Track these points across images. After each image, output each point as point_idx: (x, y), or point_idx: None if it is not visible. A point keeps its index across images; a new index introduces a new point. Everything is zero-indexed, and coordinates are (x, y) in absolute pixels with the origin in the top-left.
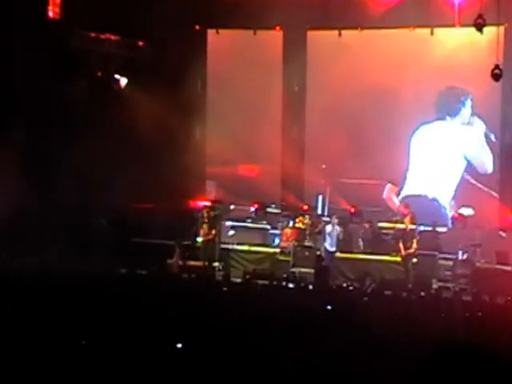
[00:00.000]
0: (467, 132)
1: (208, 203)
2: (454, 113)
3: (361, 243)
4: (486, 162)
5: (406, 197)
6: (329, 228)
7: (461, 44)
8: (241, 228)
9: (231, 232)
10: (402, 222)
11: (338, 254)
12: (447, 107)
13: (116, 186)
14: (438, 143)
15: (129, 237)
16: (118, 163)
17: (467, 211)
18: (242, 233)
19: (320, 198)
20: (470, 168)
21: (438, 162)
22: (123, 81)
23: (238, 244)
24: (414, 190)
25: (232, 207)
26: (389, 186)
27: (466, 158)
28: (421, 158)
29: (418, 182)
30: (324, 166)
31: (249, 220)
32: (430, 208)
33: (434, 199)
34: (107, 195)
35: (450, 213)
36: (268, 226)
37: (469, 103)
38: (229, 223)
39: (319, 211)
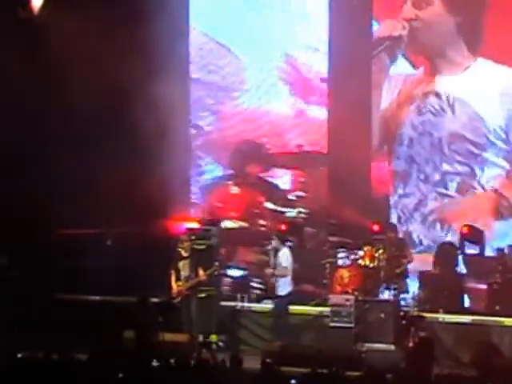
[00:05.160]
0: None
1: (195, 225)
2: None
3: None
4: None
5: None
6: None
7: None
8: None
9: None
10: None
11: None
12: None
13: (28, 196)
14: None
15: (52, 290)
16: (31, 150)
17: None
18: None
19: None
20: None
21: None
22: (37, 1)
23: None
24: None
25: None
26: None
27: None
28: None
29: None
30: None
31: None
32: None
33: None
34: (10, 212)
35: None
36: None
37: None
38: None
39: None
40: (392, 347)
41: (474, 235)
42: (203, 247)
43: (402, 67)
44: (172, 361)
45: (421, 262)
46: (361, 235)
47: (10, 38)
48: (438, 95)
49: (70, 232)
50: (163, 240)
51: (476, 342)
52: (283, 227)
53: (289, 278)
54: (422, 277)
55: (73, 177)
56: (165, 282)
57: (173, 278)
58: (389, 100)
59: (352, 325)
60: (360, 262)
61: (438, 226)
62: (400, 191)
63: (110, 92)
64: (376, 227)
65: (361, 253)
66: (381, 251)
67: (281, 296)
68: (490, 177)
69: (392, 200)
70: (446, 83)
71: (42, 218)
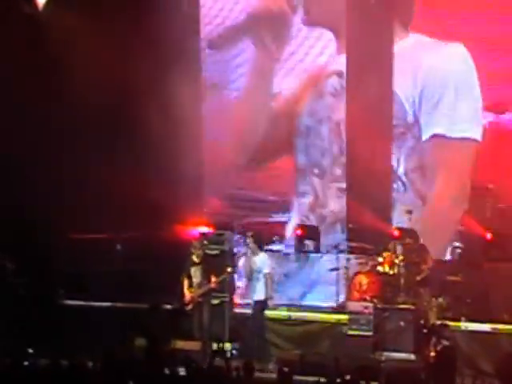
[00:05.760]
0: None
1: (208, 229)
2: None
3: None
4: None
5: None
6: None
7: None
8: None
9: None
10: None
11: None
12: None
13: (37, 200)
14: None
15: (60, 295)
16: (37, 152)
17: None
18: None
19: None
20: None
21: None
22: None
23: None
24: None
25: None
26: None
27: None
28: None
29: None
30: None
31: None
32: None
33: None
34: (18, 217)
35: None
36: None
37: None
38: None
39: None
40: (412, 356)
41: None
42: (216, 252)
43: (309, 49)
44: (184, 369)
45: None
46: (380, 241)
47: (13, 35)
48: (340, 74)
49: (80, 237)
50: (175, 245)
51: (500, 352)
52: (299, 232)
53: (264, 283)
54: (444, 284)
55: (82, 180)
56: (177, 289)
57: (185, 284)
58: (292, 85)
59: (370, 333)
60: (379, 268)
61: (339, 227)
62: (299, 189)
63: (118, 93)
64: (396, 233)
65: (380, 259)
66: (401, 257)
67: (257, 301)
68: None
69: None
70: None
71: (50, 222)
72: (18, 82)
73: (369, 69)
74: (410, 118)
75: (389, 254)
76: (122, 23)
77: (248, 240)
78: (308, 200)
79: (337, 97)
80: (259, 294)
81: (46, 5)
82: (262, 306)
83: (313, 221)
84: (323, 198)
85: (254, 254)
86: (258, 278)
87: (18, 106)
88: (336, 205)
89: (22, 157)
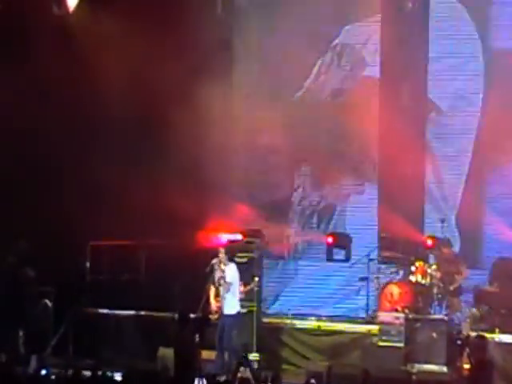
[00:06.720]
0: None
1: (237, 236)
2: None
3: None
4: None
5: None
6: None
7: None
8: None
9: None
10: None
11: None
12: None
13: (60, 208)
14: None
15: (82, 304)
16: (62, 160)
17: None
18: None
19: None
20: None
21: None
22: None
23: (295, 316)
24: None
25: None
26: None
27: None
28: None
29: None
30: None
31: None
32: None
33: None
34: (40, 225)
35: None
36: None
37: None
38: None
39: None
40: (444, 369)
41: None
42: (244, 260)
43: None
44: (210, 379)
45: None
46: (413, 250)
47: (44, 37)
48: (334, 47)
49: (105, 244)
50: (202, 252)
51: None
52: (330, 240)
53: (236, 297)
54: (478, 294)
55: (108, 187)
56: (202, 297)
57: (211, 293)
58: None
59: (402, 344)
60: (411, 277)
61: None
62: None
63: (146, 99)
64: (429, 242)
65: (413, 268)
66: (434, 267)
67: (228, 315)
68: None
69: None
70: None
71: (74, 229)
72: (47, 85)
73: (403, 76)
74: None
75: (422, 263)
76: (153, 27)
77: (219, 251)
78: (299, 193)
79: (328, 73)
80: (229, 308)
81: (77, 8)
82: (231, 319)
83: (297, 212)
84: (310, 188)
85: (224, 264)
86: (229, 290)
87: (48, 110)
88: (315, 196)
89: (48, 165)
